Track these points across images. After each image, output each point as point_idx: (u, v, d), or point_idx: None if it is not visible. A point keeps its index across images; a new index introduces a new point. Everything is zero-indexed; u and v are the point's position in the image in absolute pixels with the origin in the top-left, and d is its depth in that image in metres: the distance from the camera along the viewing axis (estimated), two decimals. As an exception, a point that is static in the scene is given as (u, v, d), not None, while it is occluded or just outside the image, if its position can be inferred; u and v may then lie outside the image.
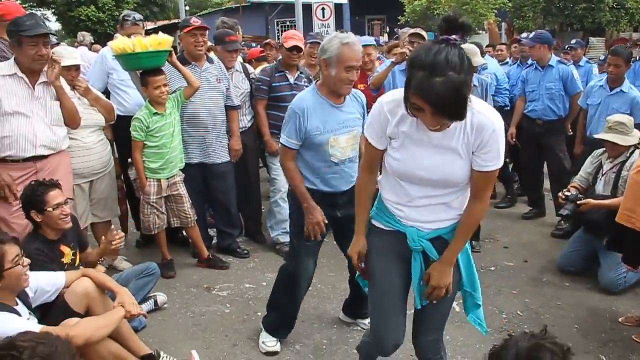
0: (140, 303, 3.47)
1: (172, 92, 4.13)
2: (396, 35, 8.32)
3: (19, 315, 2.53)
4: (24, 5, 20.21)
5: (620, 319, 3.55)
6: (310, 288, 3.39)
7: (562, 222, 4.97)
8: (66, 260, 3.20)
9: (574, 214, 4.02)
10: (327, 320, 3.59)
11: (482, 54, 6.22)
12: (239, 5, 22.84)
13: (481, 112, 1.96)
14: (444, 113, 1.81)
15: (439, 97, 1.74)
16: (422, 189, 2.11)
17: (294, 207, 3.09)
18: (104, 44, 5.62)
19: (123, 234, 3.46)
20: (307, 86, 3.88)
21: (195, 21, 4.24)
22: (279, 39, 15.42)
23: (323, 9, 13.00)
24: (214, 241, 4.85)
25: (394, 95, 2.06)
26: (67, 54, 3.91)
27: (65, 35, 23.83)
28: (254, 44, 10.55)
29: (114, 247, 3.35)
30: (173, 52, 4.06)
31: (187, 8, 28.17)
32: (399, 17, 16.32)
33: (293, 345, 3.31)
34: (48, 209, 3.06)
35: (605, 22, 15.49)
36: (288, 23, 19.79)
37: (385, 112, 2.05)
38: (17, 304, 2.61)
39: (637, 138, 4.08)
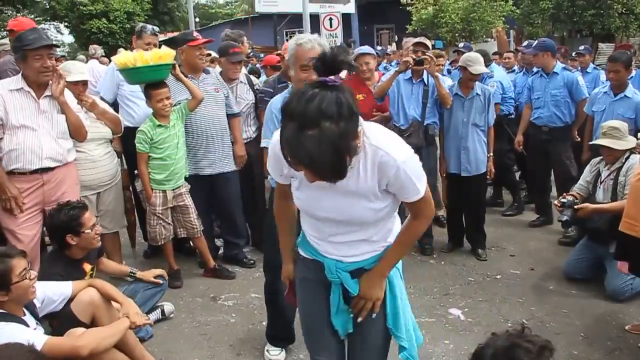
0: (147, 313, 3.52)
1: (176, 105, 4.19)
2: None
3: (27, 325, 2.57)
4: (37, 19, 20.57)
5: (626, 327, 3.52)
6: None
7: (569, 230, 4.93)
8: (87, 278, 3.26)
9: (573, 220, 4.01)
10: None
11: (489, 61, 6.24)
12: (247, 16, 23.05)
13: (381, 147, 1.72)
14: (318, 173, 1.56)
15: (309, 156, 1.48)
16: (334, 227, 1.92)
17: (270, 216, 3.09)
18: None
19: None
20: None
21: (198, 36, 4.36)
22: (287, 49, 15.52)
23: (331, 19, 13.09)
24: (221, 251, 4.89)
25: None
26: (74, 69, 3.98)
27: (79, 47, 24.16)
28: (262, 55, 10.64)
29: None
30: (177, 65, 4.13)
31: (197, 20, 28.54)
32: (407, 26, 16.36)
33: (297, 354, 3.33)
34: (85, 231, 3.15)
35: (615, 28, 15.40)
36: (297, 33, 19.92)
37: (277, 151, 1.70)
38: (24, 315, 2.65)
39: (632, 142, 4.08)
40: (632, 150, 4.07)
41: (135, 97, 4.51)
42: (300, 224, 2.11)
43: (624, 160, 4.06)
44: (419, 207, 1.89)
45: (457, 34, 15.07)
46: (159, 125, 4.07)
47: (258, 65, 8.82)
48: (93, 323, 2.89)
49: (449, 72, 7.38)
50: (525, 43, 7.90)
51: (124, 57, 3.96)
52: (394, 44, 16.09)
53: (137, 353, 2.96)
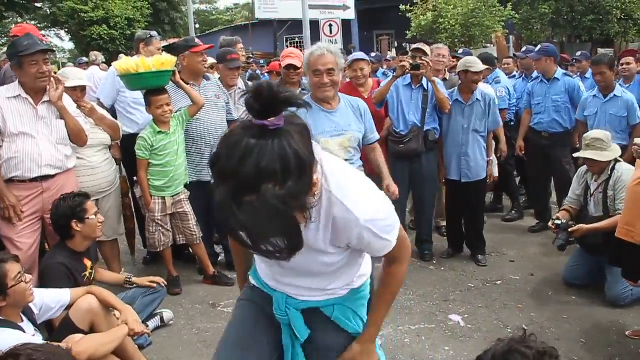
0: (146, 320, 3.53)
1: (177, 111, 4.19)
2: (402, 51, 8.38)
3: (24, 332, 2.57)
4: (39, 26, 20.61)
5: (627, 333, 3.51)
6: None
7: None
8: (86, 273, 3.33)
9: (568, 242, 4.00)
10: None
11: (493, 66, 6.21)
12: (248, 22, 23.12)
13: (341, 199, 1.42)
14: (262, 253, 1.26)
15: (247, 229, 1.20)
16: (285, 272, 1.67)
17: None
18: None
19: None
20: None
21: (199, 42, 4.39)
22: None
23: (331, 25, 13.14)
24: (220, 258, 4.88)
25: None
26: (72, 75, 4.00)
27: (79, 54, 24.23)
28: (262, 61, 10.68)
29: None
30: (177, 72, 4.14)
31: (197, 26, 28.62)
32: (407, 32, 16.38)
33: None
34: (90, 217, 3.28)
35: (614, 33, 15.43)
36: (297, 39, 19.97)
37: None
38: (22, 321, 2.65)
39: (616, 152, 4.04)
40: (617, 159, 4.03)
41: (139, 104, 4.51)
42: None
43: (609, 172, 4.00)
44: (395, 255, 1.63)
45: (456, 40, 15.09)
46: (160, 132, 4.07)
47: (258, 71, 8.85)
48: (92, 330, 2.89)
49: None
50: (524, 49, 7.92)
51: (125, 63, 3.97)
52: (393, 50, 16.12)
53: (136, 360, 2.96)
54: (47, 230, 3.56)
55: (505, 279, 4.46)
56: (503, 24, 15.53)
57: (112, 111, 4.56)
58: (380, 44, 19.31)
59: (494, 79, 6.05)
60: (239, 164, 1.15)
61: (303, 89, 4.68)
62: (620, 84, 5.51)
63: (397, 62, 6.24)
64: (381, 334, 3.55)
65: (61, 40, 30.15)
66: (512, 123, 6.03)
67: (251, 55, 11.80)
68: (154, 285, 3.66)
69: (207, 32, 29.40)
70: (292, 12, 14.54)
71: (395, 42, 19.06)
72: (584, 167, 4.24)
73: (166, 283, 3.83)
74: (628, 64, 5.83)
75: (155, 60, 3.93)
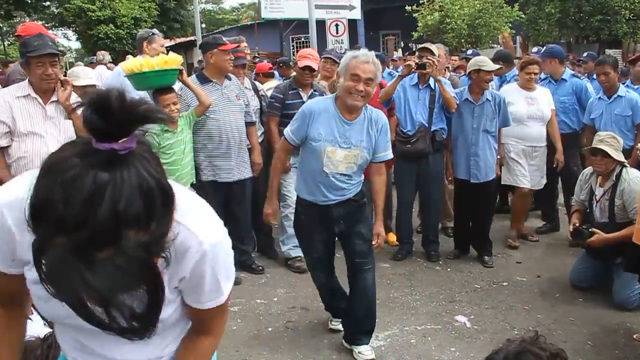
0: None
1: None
2: (407, 52, 8.35)
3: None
4: (46, 25, 20.71)
5: (635, 336, 3.49)
6: (320, 303, 3.62)
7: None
8: None
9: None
10: (337, 336, 3.59)
11: (512, 64, 6.17)
12: (254, 22, 23.14)
13: (184, 223, 1.09)
14: (117, 330, 0.97)
15: (99, 293, 0.90)
16: (109, 343, 1.24)
17: (295, 224, 3.44)
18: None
19: None
20: None
21: (227, 41, 4.43)
22: (293, 55, 15.60)
23: (337, 25, 13.14)
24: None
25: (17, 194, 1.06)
26: (83, 74, 4.02)
27: (86, 53, 24.32)
28: (266, 61, 10.69)
29: None
30: (184, 71, 4.14)
31: (204, 25, 28.64)
32: (413, 33, 16.35)
33: (303, 361, 3.33)
34: None
35: (622, 33, 15.32)
36: (303, 39, 19.97)
37: (9, 225, 1.09)
38: (32, 313, 2.66)
39: (622, 158, 4.02)
40: (623, 165, 4.00)
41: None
42: None
43: (614, 178, 3.97)
44: (214, 319, 1.31)
45: (463, 40, 15.04)
46: (167, 131, 4.07)
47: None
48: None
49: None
50: (535, 49, 7.88)
51: (131, 63, 3.99)
52: (399, 50, 16.09)
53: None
54: None
55: (511, 280, 4.45)
56: (510, 24, 15.48)
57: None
58: (386, 44, 19.27)
59: (512, 76, 6.00)
60: (85, 211, 0.84)
61: (315, 91, 4.68)
62: (628, 85, 5.49)
63: (403, 62, 6.22)
64: (387, 333, 3.57)
65: (68, 40, 30.31)
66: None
67: (257, 55, 11.80)
68: None
69: (213, 31, 29.45)
70: (298, 12, 14.52)
71: (402, 42, 19.03)
72: (588, 170, 4.22)
73: None
74: None
75: (159, 59, 3.93)
